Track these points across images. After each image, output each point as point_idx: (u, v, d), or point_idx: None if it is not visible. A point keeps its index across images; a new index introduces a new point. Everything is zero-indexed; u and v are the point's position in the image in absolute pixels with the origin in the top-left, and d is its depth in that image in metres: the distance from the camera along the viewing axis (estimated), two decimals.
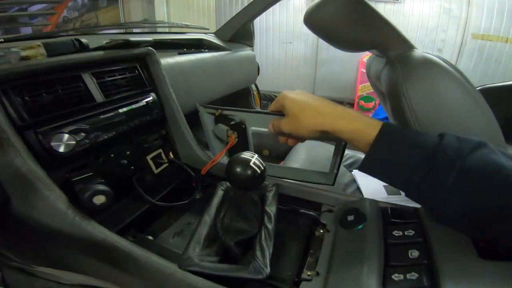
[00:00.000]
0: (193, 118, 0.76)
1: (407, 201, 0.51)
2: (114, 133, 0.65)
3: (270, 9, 1.46)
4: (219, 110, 0.64)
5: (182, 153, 0.86)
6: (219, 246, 0.53)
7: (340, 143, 0.61)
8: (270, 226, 0.53)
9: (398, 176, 0.44)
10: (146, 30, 1.67)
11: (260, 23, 3.82)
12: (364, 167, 0.47)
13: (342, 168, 1.13)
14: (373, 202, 0.58)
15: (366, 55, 3.42)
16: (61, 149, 0.55)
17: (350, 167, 1.16)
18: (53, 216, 0.52)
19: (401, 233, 0.48)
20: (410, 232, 0.48)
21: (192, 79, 1.14)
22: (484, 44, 3.22)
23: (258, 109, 1.94)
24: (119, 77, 0.71)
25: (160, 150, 0.83)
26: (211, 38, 1.57)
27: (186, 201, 0.75)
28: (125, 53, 0.73)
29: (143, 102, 0.74)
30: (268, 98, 3.96)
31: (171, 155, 0.83)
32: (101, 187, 0.56)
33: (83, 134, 0.59)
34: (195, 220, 0.75)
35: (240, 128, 0.64)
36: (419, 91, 0.60)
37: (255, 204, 0.56)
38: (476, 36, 3.22)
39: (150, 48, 0.80)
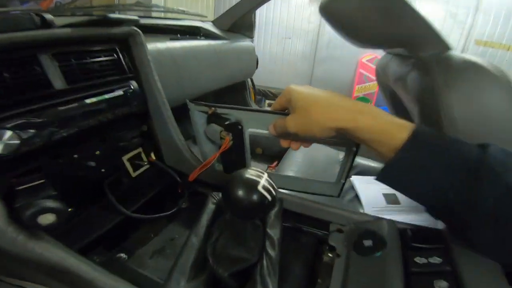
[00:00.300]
0: (182, 112, 0.64)
1: (412, 214, 0.48)
2: (76, 129, 0.52)
3: (271, 2, 1.35)
4: (212, 108, 0.55)
5: (167, 154, 0.74)
6: (209, 276, 0.45)
7: (351, 149, 0.53)
8: (273, 254, 0.45)
9: (426, 190, 0.38)
10: (139, 14, 1.53)
11: (259, 16, 3.69)
12: (385, 176, 0.40)
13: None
14: (391, 223, 0.51)
15: (365, 55, 3.40)
16: None
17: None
18: None
19: (425, 260, 0.43)
20: (436, 259, 0.43)
21: (183, 68, 1.01)
22: (485, 50, 3.19)
23: (257, 107, 1.82)
24: (91, 60, 0.58)
25: (140, 150, 0.70)
26: (209, 26, 1.47)
27: (169, 212, 0.65)
28: (102, 32, 0.59)
29: (120, 92, 0.60)
30: (262, 93, 3.88)
31: (153, 156, 0.69)
32: (50, 203, 0.43)
33: (32, 130, 0.45)
34: (180, 235, 0.67)
35: (235, 129, 0.56)
36: (462, 99, 0.54)
37: (256, 226, 0.48)
38: (479, 42, 3.19)
39: (135, 28, 0.66)
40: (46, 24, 0.50)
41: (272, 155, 1.57)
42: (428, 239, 0.47)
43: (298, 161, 1.10)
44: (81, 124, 0.53)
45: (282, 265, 0.46)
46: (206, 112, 0.56)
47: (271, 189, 0.39)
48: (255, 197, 0.38)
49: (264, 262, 0.44)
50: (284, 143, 0.51)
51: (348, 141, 0.49)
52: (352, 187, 1.00)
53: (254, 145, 1.67)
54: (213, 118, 0.57)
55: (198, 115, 0.57)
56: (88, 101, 0.53)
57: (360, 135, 0.40)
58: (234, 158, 0.61)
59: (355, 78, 3.58)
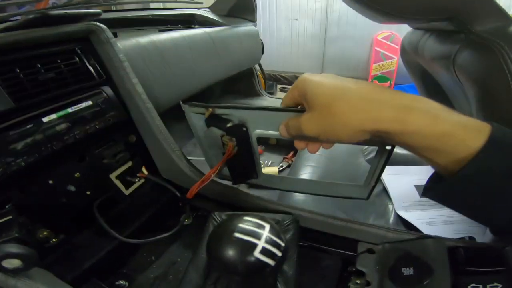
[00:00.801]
0: (181, 111, 0.53)
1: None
2: (37, 155, 0.42)
3: None
4: (209, 109, 0.44)
5: (161, 166, 0.65)
6: None
7: (384, 148, 0.41)
8: None
9: (504, 214, 0.29)
10: (131, 7, 1.44)
11: None
12: (445, 195, 0.31)
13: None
14: (439, 242, 0.41)
15: (380, 32, 3.21)
16: None
17: None
18: None
19: (480, 286, 0.36)
20: (496, 286, 0.36)
21: (175, 63, 0.90)
22: None
23: (267, 95, 1.71)
24: (44, 67, 0.48)
25: (130, 164, 0.61)
26: (206, 13, 1.37)
27: (169, 233, 0.58)
28: (49, 33, 0.49)
29: (88, 102, 0.50)
30: (273, 78, 3.77)
31: (144, 171, 0.60)
32: (12, 248, 0.36)
33: None
34: (182, 259, 0.60)
35: (239, 132, 0.45)
36: None
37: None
38: None
39: (95, 23, 0.55)
40: None
41: (287, 145, 1.45)
42: (486, 260, 0.39)
43: (316, 155, 0.98)
44: (42, 149, 0.44)
45: None
46: (203, 114, 0.46)
47: (275, 250, 0.29)
48: (251, 266, 0.28)
49: None
50: (299, 145, 0.40)
51: (382, 142, 0.38)
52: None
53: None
54: (212, 121, 0.46)
55: (195, 117, 0.47)
56: (45, 119, 0.44)
57: (409, 141, 0.29)
58: (242, 165, 0.51)
59: (371, 57, 3.38)
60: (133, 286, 0.54)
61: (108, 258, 0.55)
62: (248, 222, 0.31)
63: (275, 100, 1.65)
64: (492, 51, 0.49)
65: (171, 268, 0.58)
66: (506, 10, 0.53)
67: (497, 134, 0.26)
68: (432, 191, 0.31)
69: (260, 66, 1.73)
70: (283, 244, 0.30)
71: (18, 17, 0.52)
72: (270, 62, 3.59)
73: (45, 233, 0.48)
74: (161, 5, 1.69)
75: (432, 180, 0.32)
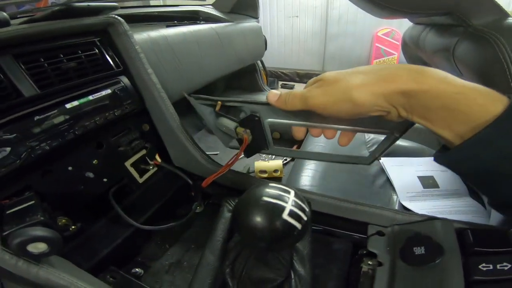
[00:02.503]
0: (183, 106, 0.55)
1: (453, 198, 0.42)
2: (60, 139, 0.44)
3: None
4: (219, 102, 0.46)
5: (174, 154, 0.66)
6: None
7: (393, 135, 0.41)
8: (302, 271, 0.39)
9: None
10: (135, 4, 1.46)
11: None
12: (458, 160, 0.30)
13: (367, 155, 0.96)
14: (447, 223, 0.42)
15: (381, 29, 3.22)
16: None
17: None
18: None
19: (490, 266, 0.36)
20: (505, 266, 0.36)
21: (184, 56, 0.91)
22: None
23: (270, 90, 1.73)
24: (66, 57, 0.49)
25: (144, 152, 0.63)
26: (209, 9, 1.38)
27: (183, 220, 0.58)
28: (71, 25, 0.51)
29: (107, 91, 0.52)
30: (274, 75, 3.78)
31: (158, 159, 0.62)
32: (38, 231, 0.35)
33: (6, 148, 0.38)
34: (196, 245, 0.61)
35: (253, 122, 0.46)
36: None
37: None
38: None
39: (114, 15, 0.57)
40: (0, 23, 0.42)
41: (291, 139, 1.47)
42: (493, 242, 0.39)
43: (320, 146, 1.00)
44: (65, 134, 0.45)
45: (313, 279, 0.40)
46: (211, 105, 0.48)
47: (302, 213, 0.30)
48: (279, 228, 0.29)
49: (293, 281, 0.38)
50: (298, 132, 0.42)
51: (390, 125, 0.38)
52: (382, 170, 0.91)
53: (271, 130, 1.57)
54: (223, 112, 0.48)
55: (205, 109, 0.49)
56: (68, 106, 0.46)
57: (424, 101, 0.29)
58: (255, 145, 0.51)
59: (371, 53, 3.39)
60: (148, 273, 0.55)
61: (124, 246, 0.55)
62: (274, 188, 0.32)
63: None
64: (489, 42, 0.51)
65: (185, 255, 0.58)
66: (506, 6, 0.55)
67: None
68: (444, 156, 0.31)
69: (262, 62, 1.74)
70: (307, 209, 0.31)
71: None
72: (271, 59, 3.61)
73: (63, 220, 0.48)
74: (161, 2, 1.70)
75: (444, 147, 0.33)
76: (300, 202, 0.31)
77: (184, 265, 0.57)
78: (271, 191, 0.31)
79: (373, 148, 0.97)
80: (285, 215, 0.29)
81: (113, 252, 0.53)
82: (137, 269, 0.55)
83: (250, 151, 0.52)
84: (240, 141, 0.48)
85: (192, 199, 0.63)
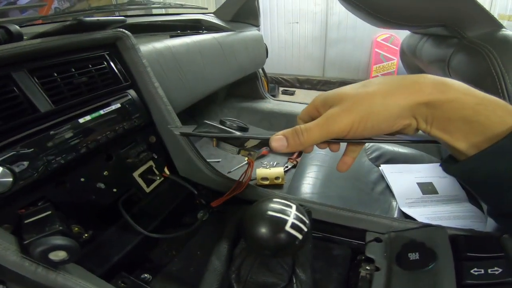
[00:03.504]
0: (192, 111, 0.57)
1: (451, 204, 0.43)
2: (74, 153, 0.46)
3: None
4: (214, 139, 0.46)
5: (179, 164, 0.68)
6: None
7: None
8: (304, 277, 0.41)
9: None
10: (136, 13, 1.48)
11: (263, 2, 3.60)
12: (469, 170, 0.30)
13: (367, 163, 1.03)
14: (441, 230, 0.44)
15: (380, 34, 3.25)
16: None
17: (376, 161, 1.02)
18: (11, 268, 0.37)
19: (482, 271, 0.38)
20: (496, 270, 0.37)
21: (187, 67, 0.94)
22: (509, 25, 2.93)
23: (268, 107, 1.67)
24: (78, 72, 0.51)
25: (151, 163, 0.65)
26: (211, 18, 1.40)
27: (189, 229, 0.60)
28: (82, 39, 0.53)
29: (117, 104, 0.54)
30: (275, 81, 3.80)
31: (166, 171, 0.64)
32: (58, 240, 0.37)
33: (24, 162, 0.40)
34: (202, 251, 0.62)
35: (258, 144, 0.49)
36: None
37: None
38: (502, 17, 2.98)
39: (121, 30, 0.59)
40: (13, 37, 0.44)
41: None
42: (485, 247, 0.41)
43: (320, 154, 1.02)
44: (79, 148, 0.47)
45: (313, 283, 0.43)
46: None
47: (302, 225, 0.33)
48: (283, 239, 0.32)
49: (295, 286, 0.40)
50: (322, 145, 0.37)
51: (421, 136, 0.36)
52: (382, 177, 0.93)
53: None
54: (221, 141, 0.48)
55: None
56: (81, 120, 0.48)
57: (448, 112, 0.29)
58: None
59: (371, 58, 3.44)
60: (157, 279, 0.56)
61: (133, 253, 0.56)
62: (277, 203, 0.34)
63: (279, 102, 1.68)
64: (482, 55, 0.52)
65: (192, 261, 0.59)
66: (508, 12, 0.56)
67: None
68: (458, 166, 0.31)
69: (263, 69, 1.75)
70: (307, 221, 0.34)
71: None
72: (271, 65, 3.65)
73: (76, 228, 0.50)
74: (163, 11, 1.72)
75: (450, 157, 0.33)
76: (301, 215, 0.34)
77: (190, 270, 0.58)
78: (275, 206, 0.34)
79: (373, 155, 1.00)
80: (287, 227, 0.32)
81: (123, 258, 0.54)
82: (145, 275, 0.56)
83: None
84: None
85: (197, 207, 0.65)
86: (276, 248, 0.32)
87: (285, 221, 0.32)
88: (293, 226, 0.32)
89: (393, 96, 0.29)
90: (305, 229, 0.33)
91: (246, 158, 0.49)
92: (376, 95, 0.29)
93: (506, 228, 0.37)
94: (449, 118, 0.29)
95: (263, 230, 0.32)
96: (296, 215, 0.33)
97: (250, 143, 0.48)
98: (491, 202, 0.34)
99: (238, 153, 0.48)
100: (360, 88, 0.30)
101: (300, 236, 0.32)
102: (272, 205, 0.34)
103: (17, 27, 0.44)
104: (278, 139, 0.33)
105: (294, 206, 0.34)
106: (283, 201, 0.35)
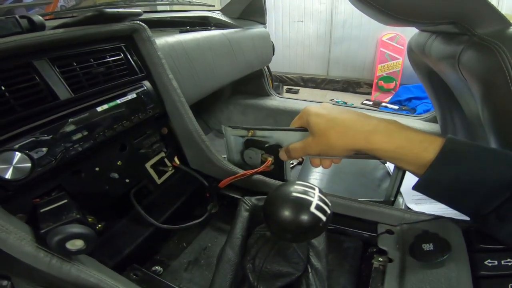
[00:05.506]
0: (199, 106, 0.58)
1: None
2: (92, 141, 0.47)
3: None
4: (251, 131, 0.56)
5: (191, 156, 0.68)
6: None
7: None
8: (319, 266, 0.41)
9: (464, 204, 0.39)
10: (144, 9, 1.48)
11: (268, 0, 3.56)
12: (420, 189, 0.41)
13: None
14: (454, 222, 0.45)
15: (385, 34, 3.23)
16: (9, 175, 0.37)
17: None
18: (24, 259, 0.36)
19: (495, 262, 0.39)
20: (509, 261, 0.38)
21: (197, 61, 0.94)
22: None
23: (276, 93, 1.77)
24: (96, 62, 0.52)
25: (163, 154, 0.65)
26: (218, 15, 1.40)
27: (199, 220, 0.60)
28: (101, 30, 0.53)
29: (133, 94, 0.55)
30: (279, 79, 3.79)
31: (176, 161, 0.64)
32: (76, 228, 0.37)
33: (43, 149, 0.40)
34: (212, 244, 0.63)
35: (276, 151, 0.56)
36: None
37: None
38: (509, 18, 2.94)
39: (139, 22, 0.60)
40: (36, 27, 0.44)
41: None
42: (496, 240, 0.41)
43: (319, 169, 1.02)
44: (96, 136, 0.48)
45: (328, 273, 0.43)
46: (242, 136, 0.58)
47: (325, 207, 0.33)
48: (307, 220, 0.32)
49: (310, 275, 0.40)
50: (315, 162, 0.50)
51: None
52: (388, 174, 0.93)
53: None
54: (251, 142, 0.58)
55: (234, 140, 0.59)
56: (99, 109, 0.48)
57: (378, 155, 0.41)
58: (273, 172, 0.61)
59: (376, 58, 3.41)
60: (168, 271, 0.56)
61: (145, 245, 0.56)
62: (301, 185, 0.34)
63: (284, 99, 1.67)
64: (492, 51, 0.53)
65: (203, 253, 0.60)
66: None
67: (449, 145, 0.36)
68: (416, 187, 0.40)
69: (268, 67, 1.75)
70: (330, 204, 0.34)
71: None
72: (276, 64, 3.64)
73: (90, 219, 0.50)
74: (168, 8, 1.71)
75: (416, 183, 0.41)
76: (324, 197, 0.34)
77: (201, 263, 0.59)
78: (299, 187, 0.34)
79: None
80: (312, 208, 0.32)
81: (135, 250, 0.54)
82: (157, 267, 0.56)
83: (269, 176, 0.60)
84: (263, 162, 0.58)
85: (207, 200, 0.65)
86: (299, 231, 0.32)
87: (310, 202, 0.32)
88: (318, 207, 0.32)
89: (340, 140, 0.42)
90: (329, 211, 0.33)
91: (265, 159, 0.58)
92: (331, 138, 0.43)
93: (485, 230, 0.41)
94: (382, 156, 0.41)
95: (288, 211, 0.32)
96: (320, 196, 0.33)
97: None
98: (461, 209, 0.40)
99: (261, 155, 0.58)
100: (327, 124, 0.43)
101: (324, 218, 0.32)
102: (296, 187, 0.34)
103: (40, 17, 0.45)
104: (282, 154, 0.53)
105: (317, 189, 0.34)
106: (306, 183, 0.35)
